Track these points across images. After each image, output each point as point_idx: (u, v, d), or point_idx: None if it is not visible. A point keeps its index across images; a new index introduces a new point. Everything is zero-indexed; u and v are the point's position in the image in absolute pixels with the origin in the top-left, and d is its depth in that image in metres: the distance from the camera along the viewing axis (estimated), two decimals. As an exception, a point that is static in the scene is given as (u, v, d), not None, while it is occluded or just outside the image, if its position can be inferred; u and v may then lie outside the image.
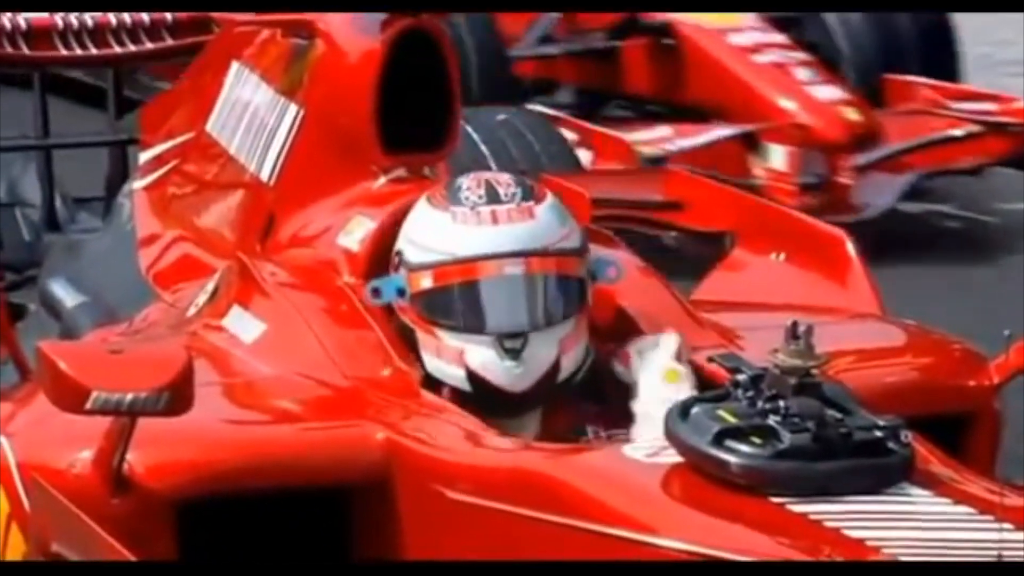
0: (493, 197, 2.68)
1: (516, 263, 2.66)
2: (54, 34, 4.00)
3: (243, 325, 2.88)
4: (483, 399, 2.68)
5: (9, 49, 4.03)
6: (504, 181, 2.74)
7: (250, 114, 3.32)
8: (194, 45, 3.95)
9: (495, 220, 2.67)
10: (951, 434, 2.71)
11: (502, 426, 2.61)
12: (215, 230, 3.35)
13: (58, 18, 3.99)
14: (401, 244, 2.76)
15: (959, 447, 2.62)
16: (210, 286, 3.08)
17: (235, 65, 3.45)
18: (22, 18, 3.99)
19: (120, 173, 4.12)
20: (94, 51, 4.06)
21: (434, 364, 2.72)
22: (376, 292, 2.73)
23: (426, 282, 2.69)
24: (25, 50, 4.00)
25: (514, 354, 2.66)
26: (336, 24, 3.20)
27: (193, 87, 3.71)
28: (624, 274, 2.86)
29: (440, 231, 2.69)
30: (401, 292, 2.70)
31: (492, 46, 6.64)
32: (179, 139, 3.61)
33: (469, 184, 2.72)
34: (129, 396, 2.35)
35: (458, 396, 2.68)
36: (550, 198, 2.75)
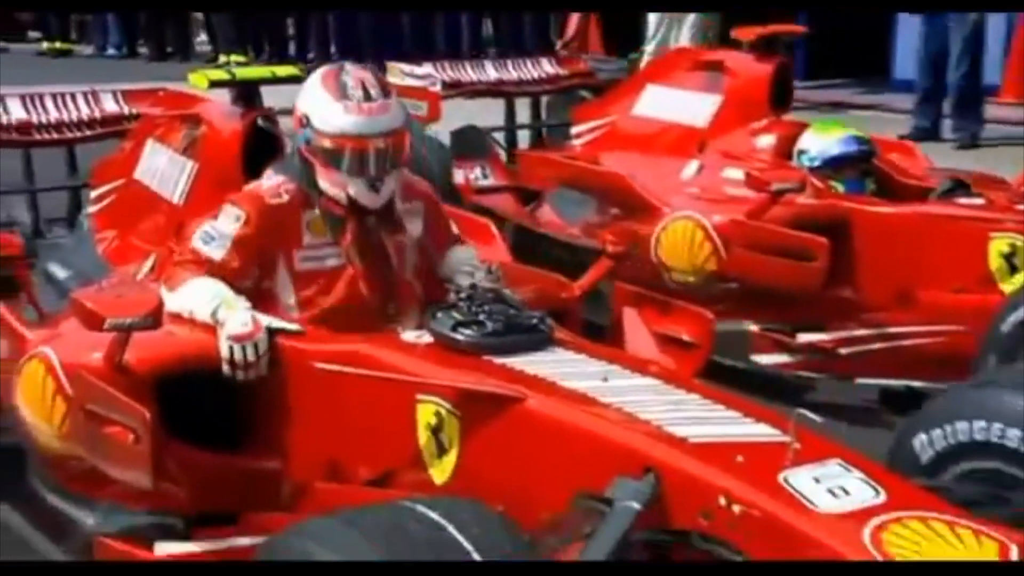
0: (367, 95, 3.33)
1: (380, 140, 3.33)
2: (33, 127, 4.99)
3: None
4: (354, 212, 3.38)
5: (3, 136, 4.95)
6: (371, 83, 3.37)
7: (162, 167, 4.03)
8: (122, 131, 4.81)
9: (370, 112, 3.31)
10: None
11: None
12: (146, 231, 4.01)
13: (34, 118, 4.98)
14: (305, 110, 3.39)
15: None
16: (149, 263, 3.78)
17: (149, 141, 4.16)
18: (15, 116, 4.97)
19: (76, 204, 4.98)
20: (60, 135, 5.06)
21: (325, 187, 3.37)
22: (292, 137, 3.47)
23: (327, 143, 3.33)
24: (16, 136, 4.96)
25: (376, 188, 3.36)
26: (214, 114, 3.98)
27: (123, 154, 4.37)
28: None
29: (336, 114, 3.31)
30: (308, 141, 3.37)
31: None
32: (115, 183, 4.27)
33: (352, 83, 3.34)
34: (128, 319, 2.99)
35: (337, 206, 3.37)
36: (393, 93, 3.45)
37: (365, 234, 3.44)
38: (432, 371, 2.98)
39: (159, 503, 3.23)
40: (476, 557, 2.07)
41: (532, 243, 5.33)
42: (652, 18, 10.22)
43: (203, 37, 17.07)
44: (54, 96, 5.13)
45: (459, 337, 3.03)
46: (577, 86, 6.61)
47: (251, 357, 3.17)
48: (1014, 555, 2.27)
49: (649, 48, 10.07)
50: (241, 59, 14.89)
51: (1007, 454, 2.69)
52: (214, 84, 4.12)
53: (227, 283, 3.34)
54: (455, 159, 5.78)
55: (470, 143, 6.04)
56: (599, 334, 3.59)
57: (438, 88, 6.12)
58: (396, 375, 3.00)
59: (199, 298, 3.29)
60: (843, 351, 4.52)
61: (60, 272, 4.16)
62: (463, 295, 3.16)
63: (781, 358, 4.63)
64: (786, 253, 4.61)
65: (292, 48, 15.64)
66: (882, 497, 2.43)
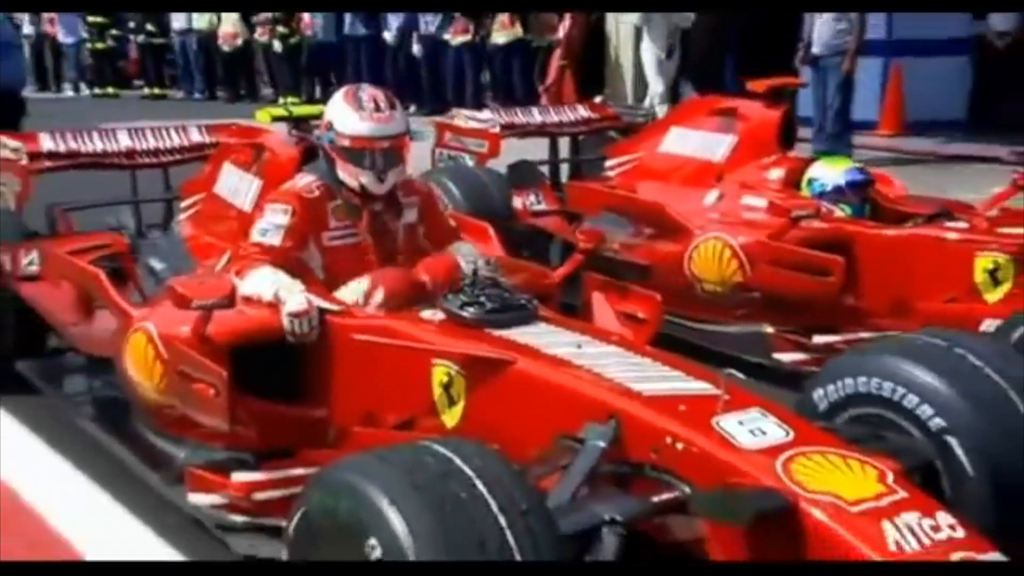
0: (377, 107, 3.38)
1: (385, 142, 3.37)
2: (136, 153, 4.91)
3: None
4: (366, 199, 3.40)
5: (115, 161, 4.88)
6: (381, 99, 3.41)
7: (235, 184, 3.97)
8: (205, 156, 4.74)
9: (379, 120, 3.36)
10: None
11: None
12: (221, 233, 3.92)
13: (138, 146, 4.91)
14: (330, 117, 3.43)
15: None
16: (224, 258, 3.71)
17: (225, 163, 4.09)
18: (123, 145, 4.87)
19: (169, 213, 4.82)
20: (157, 160, 4.96)
21: (343, 177, 3.40)
22: (320, 138, 3.47)
23: (346, 142, 3.37)
24: (124, 160, 4.88)
25: (381, 179, 3.39)
26: (275, 142, 3.94)
27: (205, 174, 4.28)
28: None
29: (354, 121, 3.35)
30: (331, 141, 3.40)
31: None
32: (200, 196, 4.20)
33: (366, 98, 3.38)
34: (210, 300, 3.03)
35: (354, 195, 3.39)
36: (398, 107, 3.45)
37: (375, 218, 3.47)
38: (444, 341, 2.97)
39: (234, 442, 3.24)
40: (478, 483, 2.05)
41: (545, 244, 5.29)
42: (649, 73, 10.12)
43: (266, 88, 17.03)
44: (153, 129, 5.11)
45: (465, 314, 3.03)
46: (607, 127, 6.48)
47: (306, 329, 3.17)
48: (890, 479, 2.26)
49: (654, 86, 10.02)
50: (295, 100, 14.90)
51: (884, 402, 2.66)
52: (275, 119, 4.15)
53: (284, 265, 3.33)
54: (512, 187, 5.61)
55: (524, 174, 5.88)
56: (574, 312, 3.55)
57: (496, 129, 5.99)
58: (416, 344, 3.00)
59: (263, 283, 3.27)
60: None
61: (157, 265, 4.13)
62: (467, 282, 3.13)
63: (798, 356, 4.43)
64: (805, 268, 4.50)
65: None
66: (791, 436, 2.41)
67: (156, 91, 17.94)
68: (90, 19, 18.27)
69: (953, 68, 11.26)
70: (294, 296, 3.20)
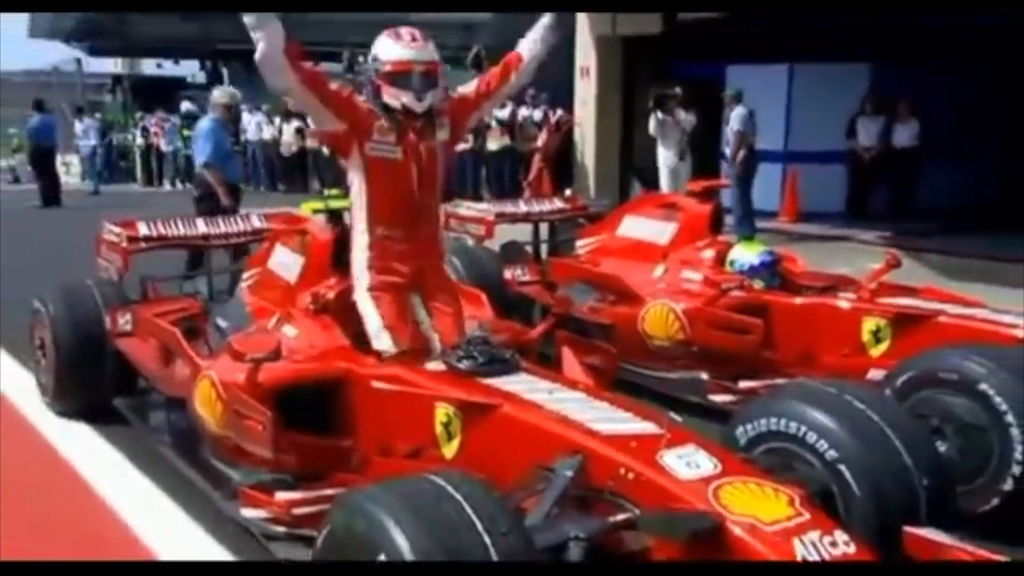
0: (414, 38, 3.10)
1: (421, 65, 3.09)
2: (211, 236, 4.82)
3: (289, 330, 3.38)
4: (407, 117, 3.08)
5: (194, 242, 4.83)
6: (416, 33, 3.12)
7: (284, 260, 3.82)
8: (263, 237, 4.61)
9: (414, 47, 3.09)
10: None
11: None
12: (273, 299, 3.75)
13: (211, 230, 4.80)
14: (375, 51, 3.10)
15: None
16: (274, 319, 3.56)
17: (277, 244, 3.94)
18: (200, 230, 4.80)
19: (235, 281, 4.54)
20: (227, 241, 4.88)
21: (387, 100, 3.09)
22: (366, 71, 3.16)
23: (388, 68, 3.08)
24: (201, 242, 4.82)
25: (419, 99, 3.10)
26: (316, 228, 3.78)
27: (262, 252, 4.10)
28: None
29: (394, 48, 3.08)
30: (376, 71, 3.09)
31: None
32: (257, 269, 4.01)
33: (404, 32, 3.10)
34: (260, 354, 2.95)
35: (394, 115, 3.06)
36: (430, 40, 3.14)
37: (414, 135, 3.15)
38: (444, 388, 2.85)
39: (277, 467, 3.12)
40: (467, 507, 1.94)
41: (527, 309, 5.18)
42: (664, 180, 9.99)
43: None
44: (223, 217, 5.11)
45: (461, 366, 2.93)
46: (578, 215, 6.37)
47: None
48: (798, 503, 2.17)
49: (666, 185, 9.87)
50: (337, 192, 14.84)
51: (790, 438, 2.57)
52: (315, 211, 4.09)
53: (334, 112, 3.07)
54: (504, 262, 5.48)
55: (513, 252, 5.84)
56: (549, 363, 3.42)
57: (492, 217, 5.89)
58: (422, 390, 2.90)
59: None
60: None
61: (223, 323, 4.00)
62: (465, 341, 3.02)
63: (728, 397, 4.32)
64: (732, 329, 4.42)
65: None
66: (719, 468, 2.31)
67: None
68: (185, 133, 18.35)
69: (834, 173, 11.38)
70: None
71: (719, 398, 4.40)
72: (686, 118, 9.80)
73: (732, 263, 4.86)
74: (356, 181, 3.17)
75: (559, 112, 13.32)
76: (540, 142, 13.36)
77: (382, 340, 3.15)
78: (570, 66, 12.97)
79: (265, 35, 2.86)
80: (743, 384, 4.41)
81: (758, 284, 4.69)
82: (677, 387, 4.59)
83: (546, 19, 3.25)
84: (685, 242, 5.13)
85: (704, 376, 4.56)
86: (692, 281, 4.86)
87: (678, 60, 12.08)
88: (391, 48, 3.10)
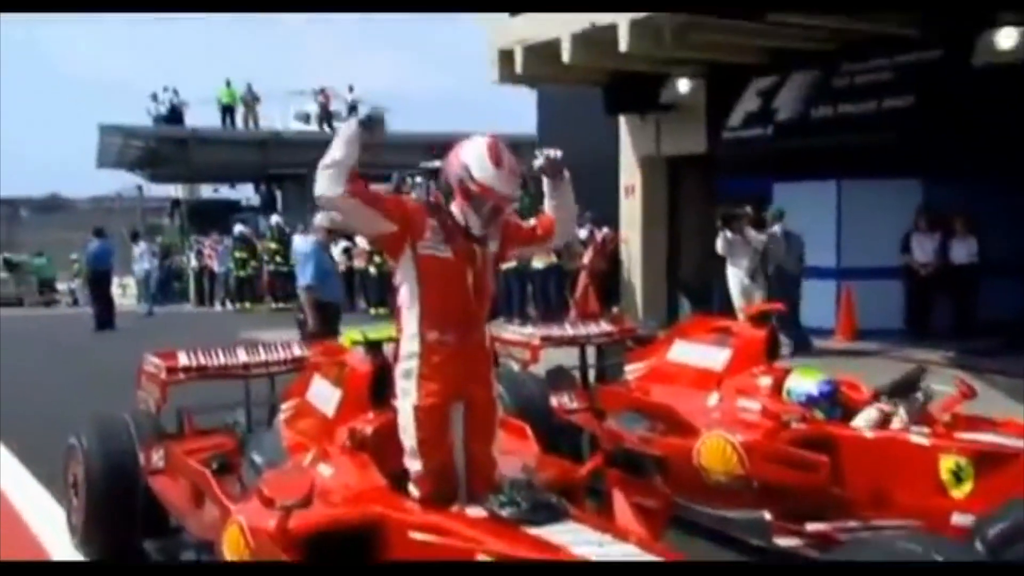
0: (511, 170, 2.99)
1: (503, 200, 3.02)
2: (251, 365, 4.70)
3: (324, 469, 3.30)
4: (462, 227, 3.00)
5: (235, 371, 4.68)
6: (513, 164, 3.01)
7: (323, 393, 3.74)
8: (303, 367, 4.44)
9: (507, 181, 2.98)
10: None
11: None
12: (310, 432, 3.67)
13: (251, 359, 4.67)
14: (467, 160, 2.96)
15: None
16: (311, 454, 3.47)
17: (315, 375, 3.88)
18: (240, 359, 4.66)
19: (273, 411, 4.43)
20: (266, 370, 4.73)
21: (455, 211, 3.02)
22: (447, 172, 3.04)
23: (474, 187, 2.97)
24: (240, 371, 4.67)
25: (486, 227, 3.05)
26: (355, 360, 3.69)
27: (300, 382, 4.03)
28: None
29: (490, 175, 2.95)
30: (460, 180, 2.97)
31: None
32: (295, 401, 3.94)
33: (505, 159, 2.97)
34: (290, 501, 2.82)
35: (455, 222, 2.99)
36: (518, 171, 3.04)
37: (467, 242, 3.05)
38: (487, 539, 2.69)
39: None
40: None
41: (576, 444, 4.93)
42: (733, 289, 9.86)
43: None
44: (264, 345, 4.97)
45: (504, 513, 2.80)
46: (626, 338, 6.18)
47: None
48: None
49: (738, 304, 9.69)
50: (384, 311, 15.02)
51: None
52: (355, 343, 3.92)
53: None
54: (551, 389, 5.29)
55: (560, 378, 5.69)
56: (598, 499, 3.27)
57: (537, 341, 5.74)
58: (463, 542, 2.73)
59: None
60: (842, 537, 3.87)
61: (258, 459, 3.85)
62: (507, 482, 2.92)
63: (795, 541, 3.99)
64: (794, 464, 4.15)
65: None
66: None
67: (281, 305, 18.11)
68: (236, 255, 18.73)
69: (889, 289, 11.02)
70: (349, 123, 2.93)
71: (785, 541, 4.08)
72: (756, 237, 9.66)
73: (789, 392, 4.60)
74: (407, 283, 3.06)
75: (605, 230, 13.32)
76: (586, 260, 13.30)
77: (415, 463, 3.03)
78: (615, 184, 13.09)
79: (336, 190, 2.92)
80: (811, 527, 4.08)
81: (818, 415, 4.42)
82: (738, 528, 4.29)
83: (545, 187, 3.20)
84: (740, 368, 4.90)
85: (767, 516, 4.23)
86: (749, 411, 4.59)
87: (724, 178, 12.07)
88: (486, 170, 2.99)
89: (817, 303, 10.02)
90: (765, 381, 4.78)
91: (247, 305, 18.56)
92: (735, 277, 9.85)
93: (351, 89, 26.66)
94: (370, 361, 3.66)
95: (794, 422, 4.29)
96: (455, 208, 3.02)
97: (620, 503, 3.15)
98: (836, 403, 4.52)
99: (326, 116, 26.74)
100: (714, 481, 4.46)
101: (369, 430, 3.31)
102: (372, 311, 15.46)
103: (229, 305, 19.20)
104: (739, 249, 9.75)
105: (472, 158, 2.99)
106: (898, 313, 11.25)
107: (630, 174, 12.98)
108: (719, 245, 9.80)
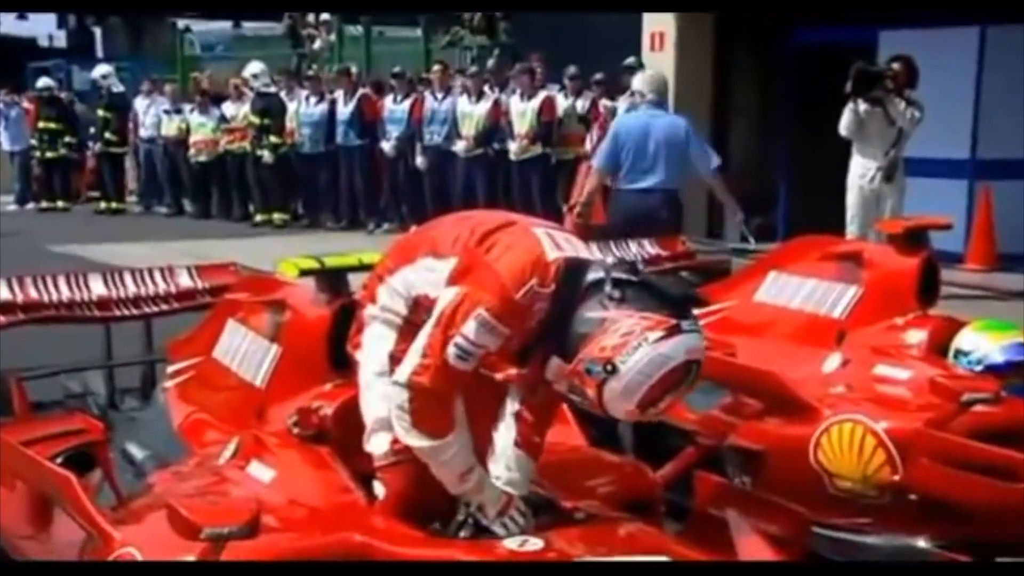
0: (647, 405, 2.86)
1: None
2: (113, 303, 4.66)
3: (260, 471, 3.29)
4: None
5: (85, 312, 4.64)
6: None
7: (244, 349, 3.86)
8: (197, 306, 4.67)
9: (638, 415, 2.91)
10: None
11: None
12: (223, 411, 3.81)
13: (114, 294, 4.66)
14: (622, 360, 2.78)
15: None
16: (232, 446, 3.47)
17: (230, 321, 3.99)
18: (96, 293, 4.64)
19: (151, 377, 4.71)
20: (140, 311, 4.71)
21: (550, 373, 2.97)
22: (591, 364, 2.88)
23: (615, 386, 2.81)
24: (97, 312, 4.64)
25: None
26: (300, 300, 3.77)
27: (202, 332, 4.21)
28: None
29: (630, 397, 2.82)
30: (591, 370, 2.81)
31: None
32: (194, 359, 4.09)
33: (664, 400, 2.86)
34: (226, 529, 2.69)
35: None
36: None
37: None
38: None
39: None
40: None
41: (651, 431, 4.39)
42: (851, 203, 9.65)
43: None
44: (132, 272, 4.87)
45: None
46: (679, 268, 6.02)
47: (521, 521, 2.99)
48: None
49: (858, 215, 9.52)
50: (283, 217, 14.88)
51: None
52: (304, 273, 3.82)
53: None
54: None
55: None
56: (682, 517, 3.49)
57: None
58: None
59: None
60: None
61: (137, 453, 3.83)
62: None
63: None
64: (980, 468, 3.95)
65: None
66: None
67: (114, 205, 17.77)
68: (42, 125, 18.26)
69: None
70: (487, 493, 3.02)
71: None
72: (906, 111, 9.21)
73: (956, 356, 4.47)
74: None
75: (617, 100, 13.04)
76: (588, 146, 13.06)
77: (382, 442, 3.07)
78: (636, 32, 12.90)
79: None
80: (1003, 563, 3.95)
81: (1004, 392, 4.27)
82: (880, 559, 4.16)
83: None
84: (876, 316, 4.81)
85: (923, 544, 4.08)
86: (896, 382, 4.46)
87: (800, 25, 11.98)
88: (631, 393, 2.83)
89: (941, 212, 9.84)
90: (917, 336, 4.66)
91: (58, 203, 18.42)
92: (863, 172, 9.54)
93: None
94: (326, 301, 3.67)
95: (980, 403, 4.11)
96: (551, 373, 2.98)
97: (744, 535, 3.00)
98: None
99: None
100: (844, 490, 4.27)
101: (329, 410, 3.33)
102: (260, 216, 15.34)
103: (30, 203, 18.85)
104: (876, 129, 9.37)
105: (632, 363, 2.81)
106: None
107: (657, 17, 12.79)
108: (844, 122, 9.46)
